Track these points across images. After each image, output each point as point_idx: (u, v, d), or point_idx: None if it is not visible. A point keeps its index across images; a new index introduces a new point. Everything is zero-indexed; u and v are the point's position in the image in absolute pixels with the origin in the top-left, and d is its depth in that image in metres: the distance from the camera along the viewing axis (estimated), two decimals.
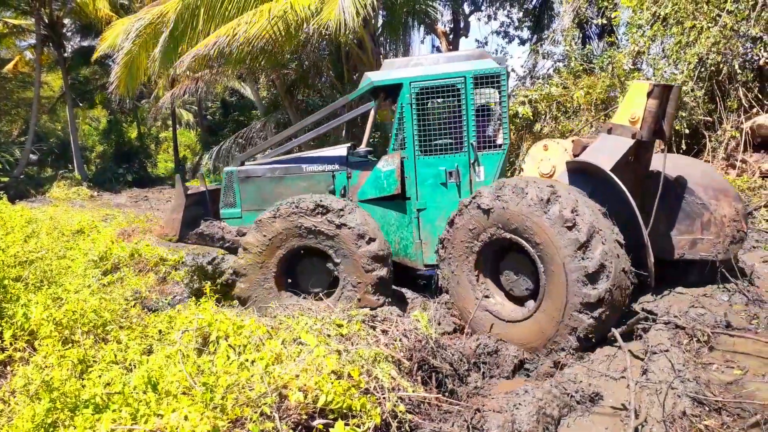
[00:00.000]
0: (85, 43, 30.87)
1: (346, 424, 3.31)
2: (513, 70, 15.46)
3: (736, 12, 9.57)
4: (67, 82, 30.01)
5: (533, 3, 23.24)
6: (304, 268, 6.55)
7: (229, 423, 3.18)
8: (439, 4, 21.55)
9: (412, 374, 4.22)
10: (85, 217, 12.33)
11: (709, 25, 9.77)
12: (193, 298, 5.95)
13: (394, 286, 6.53)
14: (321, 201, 6.10)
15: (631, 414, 3.67)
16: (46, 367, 3.95)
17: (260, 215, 6.29)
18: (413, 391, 3.87)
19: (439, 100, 6.44)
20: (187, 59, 13.55)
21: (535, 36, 21.86)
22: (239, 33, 12.14)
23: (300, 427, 3.36)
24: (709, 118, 10.35)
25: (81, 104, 35.70)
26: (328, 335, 4.36)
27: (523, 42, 25.88)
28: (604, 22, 12.78)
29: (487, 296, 5.61)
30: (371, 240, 5.99)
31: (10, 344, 4.69)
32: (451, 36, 23.24)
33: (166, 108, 28.25)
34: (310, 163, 7.09)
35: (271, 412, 3.26)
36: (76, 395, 3.47)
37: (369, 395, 3.55)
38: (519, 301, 5.64)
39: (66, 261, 7.27)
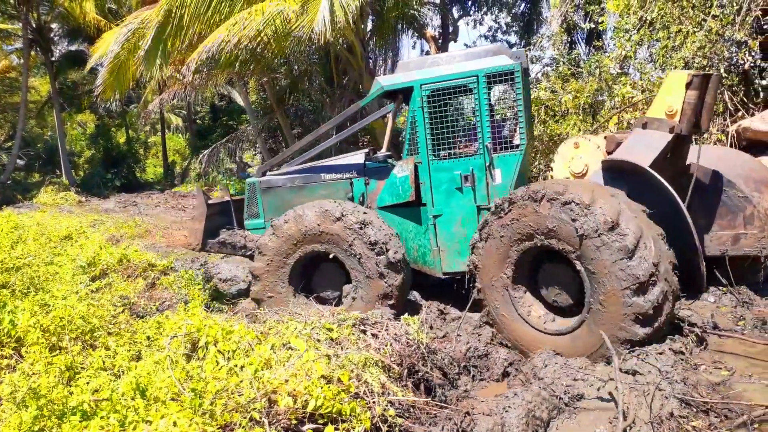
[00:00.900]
0: (72, 48, 30.67)
1: (336, 429, 3.31)
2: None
3: (721, 16, 9.66)
4: (54, 87, 29.80)
5: (521, 8, 23.38)
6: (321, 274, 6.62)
7: (218, 429, 3.17)
8: (428, 9, 21.60)
9: (403, 378, 4.22)
10: (73, 223, 12.26)
11: (695, 29, 9.86)
12: (182, 303, 5.92)
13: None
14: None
15: (619, 416, 3.69)
16: (33, 374, 3.92)
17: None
18: (403, 396, 3.88)
19: (452, 102, 6.27)
20: (192, 65, 13.54)
21: (524, 40, 21.98)
22: (232, 37, 12.12)
23: None
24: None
25: (69, 109, 35.44)
26: (318, 340, 4.36)
27: (511, 46, 26.02)
28: (592, 26, 12.85)
29: (528, 308, 5.33)
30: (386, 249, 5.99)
31: None
32: (440, 40, 23.31)
33: (155, 112, 28.12)
34: (328, 172, 7.10)
35: (260, 418, 3.26)
36: (64, 402, 3.44)
37: (359, 400, 3.55)
38: (559, 311, 5.35)
39: (53, 267, 7.22)
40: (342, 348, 4.24)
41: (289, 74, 19.71)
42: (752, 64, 9.89)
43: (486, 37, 25.40)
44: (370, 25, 17.67)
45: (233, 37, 12.11)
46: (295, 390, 3.44)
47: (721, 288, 6.08)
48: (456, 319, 6.09)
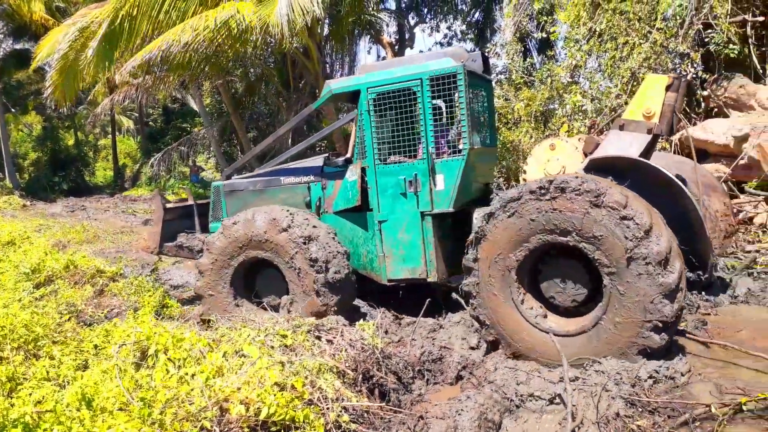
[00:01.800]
0: (18, 46, 29.57)
1: None
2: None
3: (665, 29, 10.06)
4: None
5: (475, 16, 23.73)
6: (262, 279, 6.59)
7: None
8: (385, 15, 21.71)
9: (357, 384, 4.23)
10: (17, 228, 11.81)
11: (641, 41, 10.23)
12: (132, 311, 5.79)
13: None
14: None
15: (568, 417, 3.78)
16: None
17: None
18: (357, 401, 3.88)
19: (398, 105, 6.12)
20: (129, 65, 13.20)
21: (477, 48, 22.32)
22: (183, 40, 11.89)
23: None
24: None
25: (13, 110, 34.16)
26: (272, 347, 4.33)
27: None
28: (544, 36, 13.17)
29: (522, 296, 5.06)
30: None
31: None
32: (396, 46, 23.46)
33: (105, 114, 27.38)
34: (288, 175, 7.05)
35: (211, 426, 3.21)
36: (4, 415, 3.31)
37: (313, 406, 3.54)
38: (551, 307, 5.14)
39: None
40: (296, 354, 4.22)
41: (244, 77, 19.51)
42: (694, 75, 10.32)
43: (441, 44, 25.66)
44: (326, 30, 17.67)
45: (181, 40, 11.86)
46: (247, 398, 3.40)
47: None
48: (411, 323, 6.14)
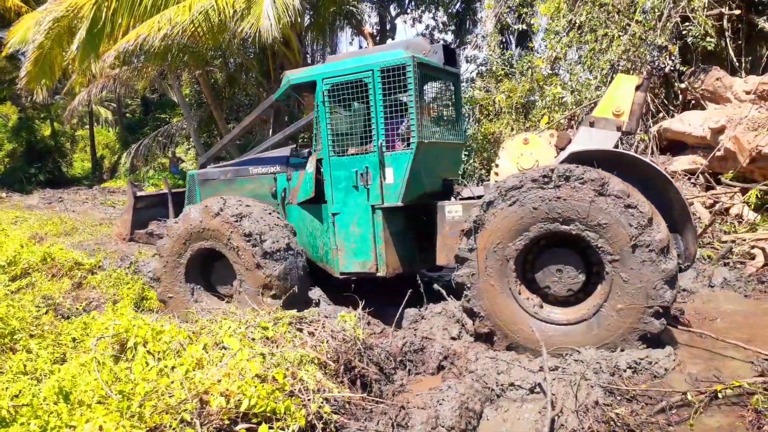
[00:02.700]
0: None
1: (270, 428, 3.29)
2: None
3: (644, 22, 10.13)
4: None
5: (456, 7, 23.71)
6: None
7: (147, 431, 3.08)
8: (366, 6, 21.61)
9: (339, 375, 4.23)
10: None
11: (620, 33, 10.29)
12: (111, 303, 5.73)
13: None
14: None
15: (548, 405, 3.83)
16: None
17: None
18: (339, 392, 3.89)
19: (351, 96, 6.07)
20: (109, 58, 12.99)
21: (459, 40, 22.32)
22: (162, 29, 11.70)
23: None
24: None
25: None
26: (253, 339, 4.31)
27: (448, 45, 26.28)
28: (524, 28, 13.20)
29: (518, 287, 5.06)
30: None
31: None
32: (378, 37, 23.36)
33: (83, 105, 26.92)
34: (256, 165, 7.04)
35: (191, 419, 3.19)
36: None
37: (294, 398, 3.54)
38: (543, 296, 5.18)
39: None
40: (278, 346, 4.21)
41: (224, 68, 19.29)
42: (672, 68, 10.43)
43: (423, 35, 25.63)
44: (307, 20, 17.52)
45: (159, 32, 11.68)
46: (228, 390, 3.39)
47: None
48: (393, 314, 6.15)
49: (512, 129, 10.91)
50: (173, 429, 3.11)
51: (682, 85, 10.45)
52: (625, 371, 4.32)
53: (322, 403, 3.60)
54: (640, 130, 10.60)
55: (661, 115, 10.79)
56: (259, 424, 3.32)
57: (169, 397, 3.29)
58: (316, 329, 4.70)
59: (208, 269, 6.71)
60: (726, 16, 10.17)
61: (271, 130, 17.88)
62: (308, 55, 18.69)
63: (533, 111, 11.26)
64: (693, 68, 10.28)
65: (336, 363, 4.26)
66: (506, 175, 5.70)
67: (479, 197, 6.07)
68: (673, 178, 6.22)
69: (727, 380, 4.02)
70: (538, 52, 13.02)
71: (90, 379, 3.51)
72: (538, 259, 5.14)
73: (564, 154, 5.57)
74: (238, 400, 3.34)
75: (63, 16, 13.81)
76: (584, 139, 5.59)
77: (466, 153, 10.87)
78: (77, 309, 6.31)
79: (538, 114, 10.93)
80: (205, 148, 20.83)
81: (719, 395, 3.89)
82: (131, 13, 12.64)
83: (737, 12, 10.17)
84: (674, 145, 10.21)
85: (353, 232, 6.17)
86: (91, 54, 13.19)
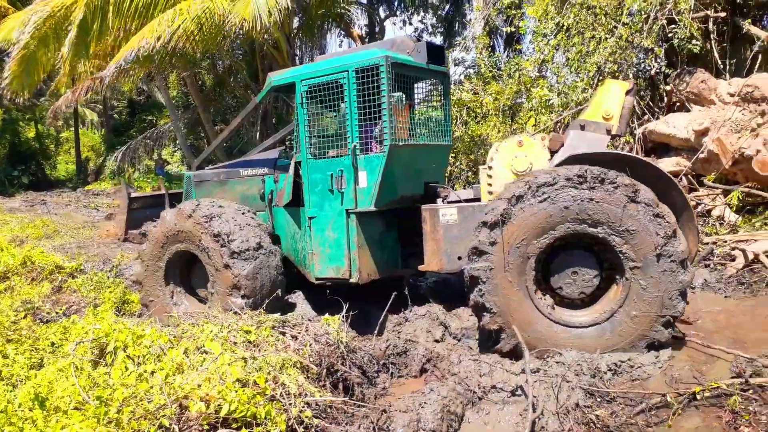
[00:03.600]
0: None
1: None
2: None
3: (630, 24, 10.18)
4: None
5: (446, 10, 23.78)
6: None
7: None
8: (355, 8, 21.59)
9: (321, 379, 4.21)
10: None
11: (607, 36, 10.34)
12: (91, 307, 5.66)
13: None
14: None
15: (529, 408, 3.83)
16: None
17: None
18: (320, 396, 3.86)
19: (328, 98, 5.92)
20: (111, 68, 12.88)
21: (447, 42, 22.38)
22: (162, 38, 11.61)
23: None
24: None
25: None
26: (235, 343, 4.27)
27: (437, 47, 26.32)
28: (512, 30, 13.24)
29: (543, 299, 5.01)
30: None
31: None
32: (367, 39, 23.37)
33: (68, 106, 26.69)
34: (246, 167, 7.04)
35: (170, 424, 3.16)
36: None
37: (275, 402, 3.51)
38: (554, 294, 5.14)
39: None
40: (260, 350, 4.17)
41: (212, 70, 19.21)
42: (658, 70, 10.50)
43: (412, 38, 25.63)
44: (296, 23, 17.48)
45: (157, 39, 11.62)
46: (208, 394, 3.35)
47: None
48: (378, 317, 6.12)
49: (499, 131, 10.92)
50: None
51: (668, 88, 10.51)
52: (605, 373, 4.33)
53: (303, 407, 3.57)
54: (626, 132, 10.66)
55: (646, 117, 10.85)
56: (239, 429, 3.29)
57: (148, 402, 3.25)
58: (299, 333, 4.67)
59: (189, 272, 6.68)
60: (711, 19, 10.25)
61: (258, 133, 17.87)
62: (297, 57, 18.65)
63: (520, 113, 11.28)
64: (678, 70, 10.34)
65: (318, 367, 4.24)
66: (500, 178, 5.68)
67: (471, 200, 6.06)
68: None
69: (705, 381, 4.03)
70: (525, 55, 13.06)
71: (67, 385, 3.46)
72: (553, 260, 5.08)
73: (559, 157, 5.57)
74: (219, 405, 3.30)
75: (50, 16, 13.69)
76: (577, 142, 5.60)
77: (453, 155, 10.86)
78: (57, 313, 6.23)
79: (525, 116, 10.96)
80: (193, 151, 20.73)
81: (698, 396, 3.90)
82: (120, 13, 12.53)
83: (722, 14, 10.25)
84: (659, 147, 10.27)
85: (328, 237, 6.04)
86: (83, 54, 13.09)
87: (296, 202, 6.33)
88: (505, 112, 11.51)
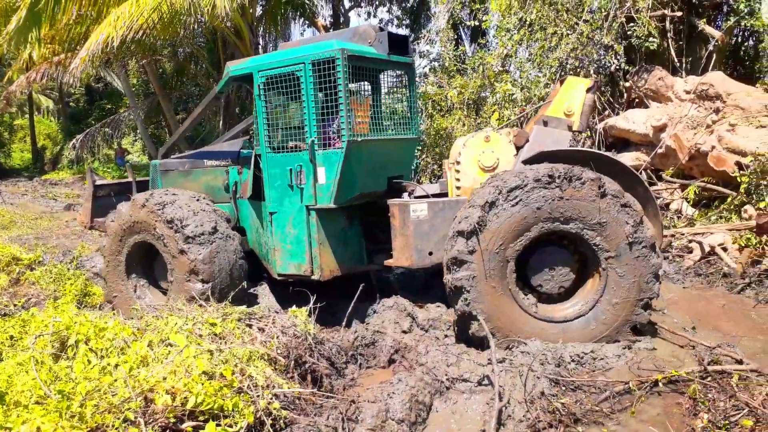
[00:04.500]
0: None
1: (218, 425, 3.23)
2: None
3: (591, 21, 10.38)
4: None
5: (411, 1, 23.77)
6: None
7: (88, 431, 2.99)
8: None
9: (289, 370, 4.20)
10: None
11: (569, 32, 10.52)
12: (51, 300, 5.52)
13: None
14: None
15: (496, 396, 3.90)
16: None
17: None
18: (288, 388, 3.86)
19: (286, 90, 5.77)
20: (76, 63, 12.49)
21: (413, 34, 22.39)
22: (121, 30, 11.32)
23: (168, 431, 3.23)
24: None
25: None
26: (201, 335, 4.22)
27: (403, 39, 26.27)
28: (476, 24, 13.33)
29: (526, 299, 5.07)
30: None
31: None
32: (331, 29, 23.21)
33: (22, 93, 25.80)
34: (210, 158, 6.92)
35: (135, 418, 3.11)
36: None
37: (242, 394, 3.49)
38: (534, 292, 5.21)
39: None
40: (226, 343, 4.14)
41: (173, 57, 18.82)
42: (618, 67, 10.74)
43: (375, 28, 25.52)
44: (259, 10, 17.24)
45: (119, 30, 11.33)
46: (173, 387, 3.31)
47: None
48: (345, 309, 6.12)
49: (464, 125, 11.01)
50: (116, 429, 3.03)
51: (627, 84, 10.77)
52: (569, 363, 4.43)
53: (271, 399, 3.56)
54: (587, 127, 10.87)
55: (606, 112, 11.10)
56: (206, 421, 3.26)
57: (112, 395, 3.19)
58: (266, 325, 4.64)
59: (152, 265, 6.59)
60: (668, 18, 10.53)
61: (221, 122, 17.61)
62: (260, 46, 18.39)
63: (484, 107, 11.39)
64: (637, 67, 10.60)
65: (286, 359, 4.23)
66: (467, 173, 5.80)
67: (439, 195, 6.08)
68: None
69: (666, 369, 4.17)
70: (489, 49, 13.17)
71: (27, 379, 3.38)
72: (530, 259, 5.15)
73: (526, 152, 5.64)
74: (185, 398, 3.27)
75: None
76: (541, 138, 5.72)
77: (419, 148, 10.88)
78: (15, 306, 6.05)
79: (489, 110, 11.07)
80: (153, 140, 20.31)
81: (660, 383, 4.03)
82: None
83: (679, 14, 10.55)
84: (619, 142, 10.53)
85: (289, 233, 5.92)
86: (28, 39, 12.65)
87: (258, 195, 6.21)
88: (469, 105, 11.60)
